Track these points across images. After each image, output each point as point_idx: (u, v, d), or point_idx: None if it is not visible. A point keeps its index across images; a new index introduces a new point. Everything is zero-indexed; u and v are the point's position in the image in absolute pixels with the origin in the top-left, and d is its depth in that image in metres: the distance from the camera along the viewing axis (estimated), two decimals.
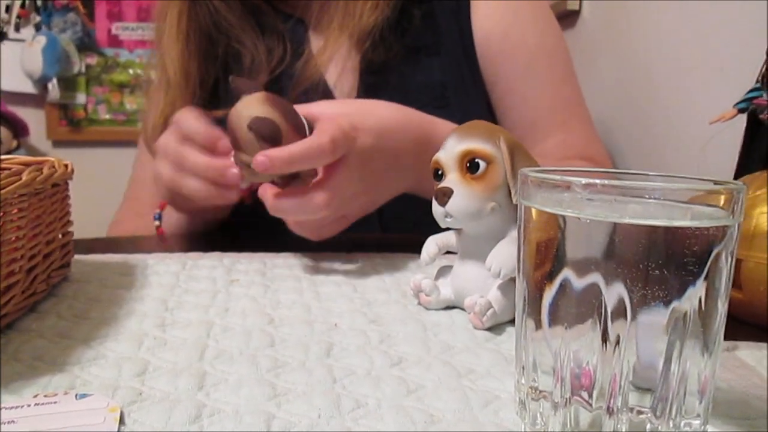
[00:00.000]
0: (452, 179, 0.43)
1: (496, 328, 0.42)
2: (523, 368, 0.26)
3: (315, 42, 0.81)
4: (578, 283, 0.23)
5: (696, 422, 0.24)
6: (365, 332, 0.41)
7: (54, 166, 0.45)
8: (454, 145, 0.43)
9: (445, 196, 0.42)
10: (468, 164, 0.42)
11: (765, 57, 0.49)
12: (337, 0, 0.78)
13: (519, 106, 0.79)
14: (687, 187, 0.23)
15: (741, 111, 0.55)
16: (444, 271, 0.48)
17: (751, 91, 0.54)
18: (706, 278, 0.22)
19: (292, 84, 0.77)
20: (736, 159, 0.59)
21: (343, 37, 0.76)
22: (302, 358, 0.37)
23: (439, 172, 0.44)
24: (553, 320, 0.24)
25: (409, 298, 0.48)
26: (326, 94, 0.77)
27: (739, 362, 0.39)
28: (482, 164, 0.42)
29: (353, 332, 0.41)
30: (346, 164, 0.53)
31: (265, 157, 0.48)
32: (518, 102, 0.79)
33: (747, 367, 0.38)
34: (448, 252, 0.47)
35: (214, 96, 0.81)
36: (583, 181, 0.22)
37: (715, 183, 0.25)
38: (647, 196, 0.23)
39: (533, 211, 0.24)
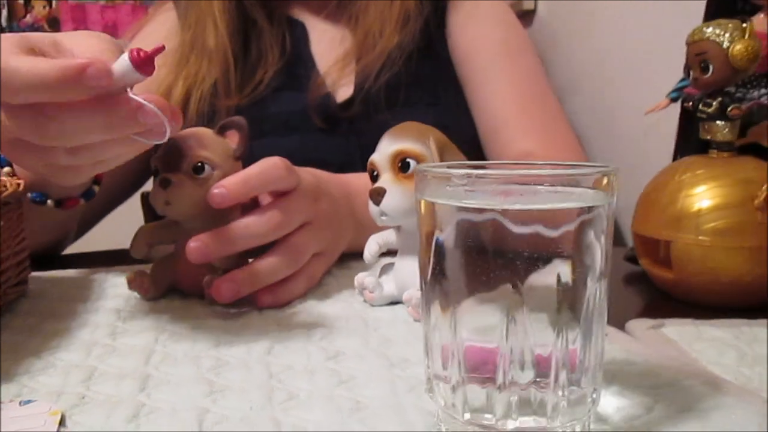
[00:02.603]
0: (386, 179, 0.45)
1: None
2: (427, 352, 0.28)
3: (320, 48, 0.83)
4: (462, 268, 0.25)
5: (584, 393, 0.26)
6: (308, 330, 0.43)
7: (5, 185, 0.47)
8: (386, 146, 0.45)
9: (378, 195, 0.44)
10: (400, 164, 0.44)
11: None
12: (365, 18, 0.80)
13: (488, 105, 0.82)
14: (550, 173, 0.25)
15: (673, 100, 0.58)
16: (387, 267, 0.49)
17: (681, 80, 0.57)
18: (572, 256, 0.24)
19: (296, 93, 0.79)
20: (673, 145, 0.62)
21: (363, 60, 0.79)
22: (244, 357, 0.38)
23: (375, 173, 0.46)
24: (445, 305, 0.26)
25: (355, 297, 0.50)
26: (326, 97, 0.79)
27: (663, 338, 0.41)
28: (413, 163, 0.44)
29: (297, 330, 0.43)
30: (299, 190, 0.49)
31: (221, 188, 0.44)
32: (487, 100, 0.82)
33: (669, 342, 0.40)
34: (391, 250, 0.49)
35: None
36: (462, 172, 0.24)
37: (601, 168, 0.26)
38: (540, 184, 0.25)
39: (422, 203, 0.26)
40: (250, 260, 0.48)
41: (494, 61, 0.82)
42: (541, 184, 0.25)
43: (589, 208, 0.24)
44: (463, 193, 0.24)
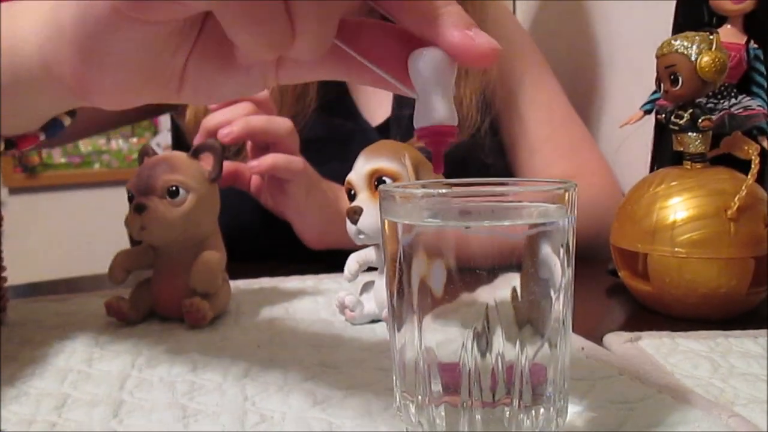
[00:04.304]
0: (362, 198, 0.45)
1: None
2: (396, 370, 0.28)
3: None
4: (424, 282, 0.25)
5: (550, 409, 0.26)
6: (287, 350, 0.43)
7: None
8: (362, 165, 0.45)
9: (355, 214, 0.44)
10: (376, 182, 0.45)
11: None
12: None
13: (521, 129, 0.83)
14: (508, 190, 0.25)
15: (647, 112, 0.58)
16: (368, 286, 0.49)
17: (654, 93, 0.57)
18: (527, 269, 0.24)
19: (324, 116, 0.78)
20: (649, 157, 0.62)
21: None
22: (219, 381, 0.38)
23: (352, 192, 0.46)
24: (410, 322, 0.26)
25: (337, 316, 0.50)
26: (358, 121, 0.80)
27: (639, 351, 0.41)
28: (389, 182, 0.44)
29: (276, 351, 0.43)
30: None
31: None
32: (519, 125, 0.83)
33: (645, 355, 0.40)
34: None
35: None
36: (422, 191, 0.25)
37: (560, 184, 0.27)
38: (502, 201, 0.26)
39: (386, 222, 0.26)
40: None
41: (523, 86, 0.83)
42: (501, 201, 0.25)
43: (544, 224, 0.24)
44: (424, 212, 0.25)
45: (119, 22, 0.24)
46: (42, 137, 0.42)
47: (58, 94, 0.32)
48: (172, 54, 0.26)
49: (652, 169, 0.61)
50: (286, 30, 0.23)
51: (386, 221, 0.26)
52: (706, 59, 0.47)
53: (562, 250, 0.25)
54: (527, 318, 0.25)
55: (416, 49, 0.25)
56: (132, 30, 0.24)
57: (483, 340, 0.25)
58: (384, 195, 0.26)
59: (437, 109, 0.24)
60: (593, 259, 0.65)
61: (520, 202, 0.25)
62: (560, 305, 0.25)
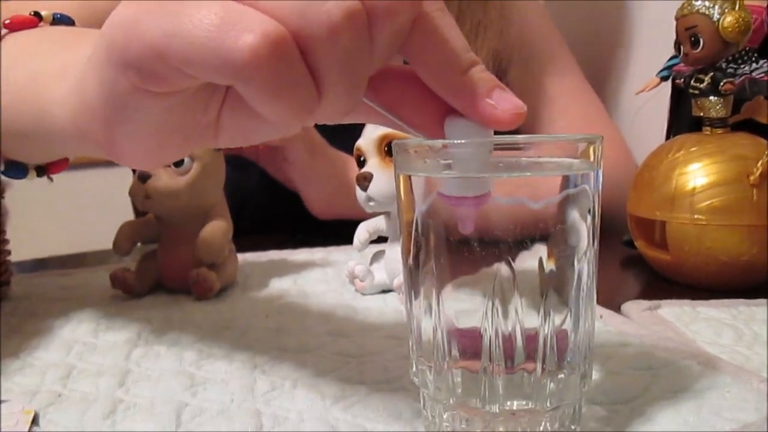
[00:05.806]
0: (372, 164, 0.44)
1: None
2: (412, 336, 0.27)
3: None
4: (443, 249, 0.24)
5: (573, 375, 0.25)
6: (297, 320, 0.42)
7: None
8: (372, 131, 0.44)
9: (365, 180, 0.43)
10: (386, 148, 0.43)
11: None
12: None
13: (534, 108, 0.81)
14: (533, 140, 0.23)
15: (663, 79, 0.56)
16: (378, 255, 0.48)
17: (671, 59, 0.56)
18: (555, 237, 0.22)
19: None
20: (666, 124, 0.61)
21: None
22: (229, 350, 0.37)
23: (362, 159, 0.45)
24: (428, 288, 0.25)
25: (347, 287, 0.49)
26: None
27: (659, 319, 0.40)
28: None
29: (286, 321, 0.42)
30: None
31: None
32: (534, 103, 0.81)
33: (665, 323, 0.39)
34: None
35: None
36: (440, 142, 0.23)
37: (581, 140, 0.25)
38: (522, 156, 0.24)
39: (401, 180, 0.25)
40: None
41: (537, 63, 0.82)
42: (524, 156, 0.24)
43: (573, 182, 0.23)
44: (442, 166, 0.23)
45: (142, 97, 0.24)
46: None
47: (92, 150, 0.31)
48: (203, 111, 0.25)
49: (668, 137, 0.59)
50: (312, 97, 0.22)
51: (401, 177, 0.25)
52: (729, 19, 0.45)
53: (588, 216, 0.23)
54: (552, 284, 0.24)
55: (449, 116, 0.24)
56: (157, 101, 0.24)
57: (505, 307, 0.23)
58: (398, 149, 0.25)
59: (470, 181, 0.23)
60: (607, 231, 0.63)
61: (540, 157, 0.24)
62: (586, 273, 0.24)
